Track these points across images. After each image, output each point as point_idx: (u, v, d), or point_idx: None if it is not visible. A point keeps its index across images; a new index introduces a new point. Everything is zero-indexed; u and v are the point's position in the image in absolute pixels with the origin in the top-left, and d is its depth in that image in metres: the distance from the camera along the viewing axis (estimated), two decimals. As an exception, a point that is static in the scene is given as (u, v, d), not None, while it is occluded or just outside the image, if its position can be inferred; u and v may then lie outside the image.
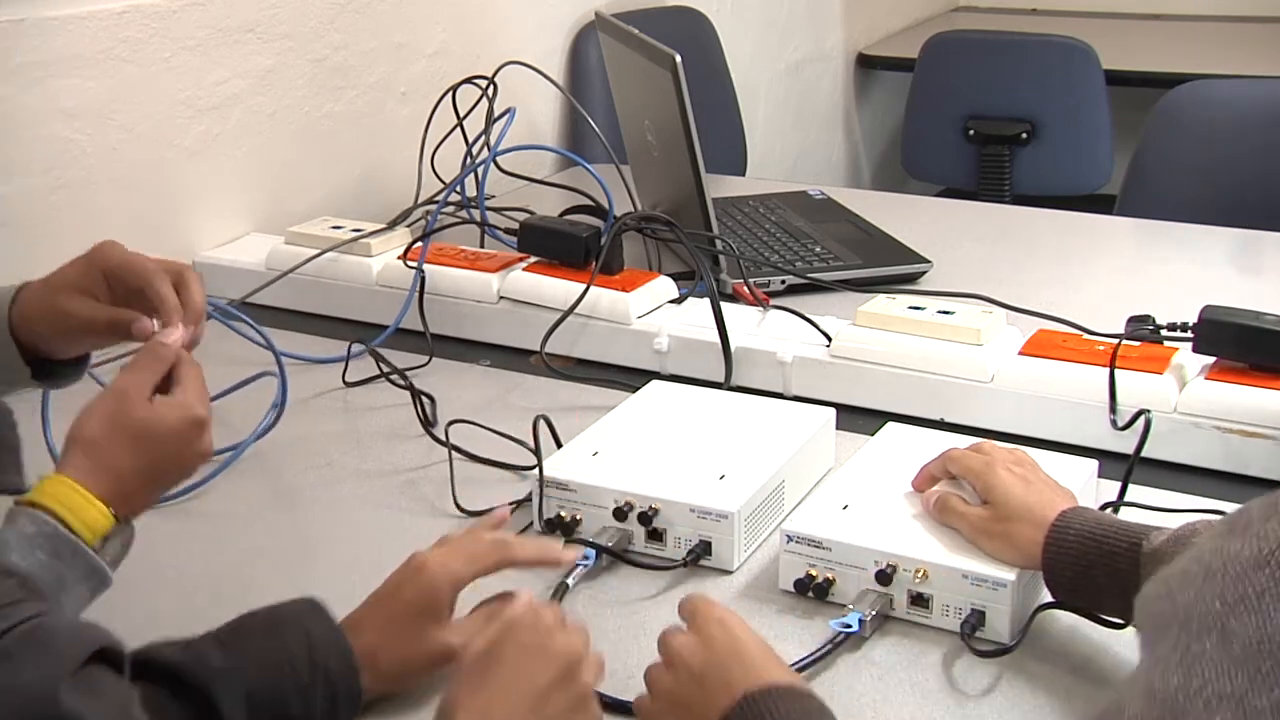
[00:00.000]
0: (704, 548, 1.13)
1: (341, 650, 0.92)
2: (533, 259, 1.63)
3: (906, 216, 1.96)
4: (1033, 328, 1.45)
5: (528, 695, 0.82)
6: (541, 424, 1.24)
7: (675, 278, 1.61)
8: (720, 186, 2.03)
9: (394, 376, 1.45)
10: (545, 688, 0.83)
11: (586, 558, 1.11)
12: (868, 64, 3.46)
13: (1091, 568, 0.98)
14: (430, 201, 1.80)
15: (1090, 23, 3.46)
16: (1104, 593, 0.98)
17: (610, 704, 0.97)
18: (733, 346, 1.46)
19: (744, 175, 2.73)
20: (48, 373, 1.10)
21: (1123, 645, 1.00)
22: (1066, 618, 1.02)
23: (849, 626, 1.01)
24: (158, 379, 0.98)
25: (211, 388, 1.01)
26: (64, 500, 0.91)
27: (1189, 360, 1.34)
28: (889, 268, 1.74)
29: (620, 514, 1.14)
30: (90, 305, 1.05)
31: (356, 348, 1.50)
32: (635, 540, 1.15)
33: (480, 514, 1.22)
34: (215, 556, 1.18)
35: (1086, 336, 1.42)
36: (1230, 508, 1.13)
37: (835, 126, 3.45)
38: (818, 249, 1.79)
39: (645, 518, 1.13)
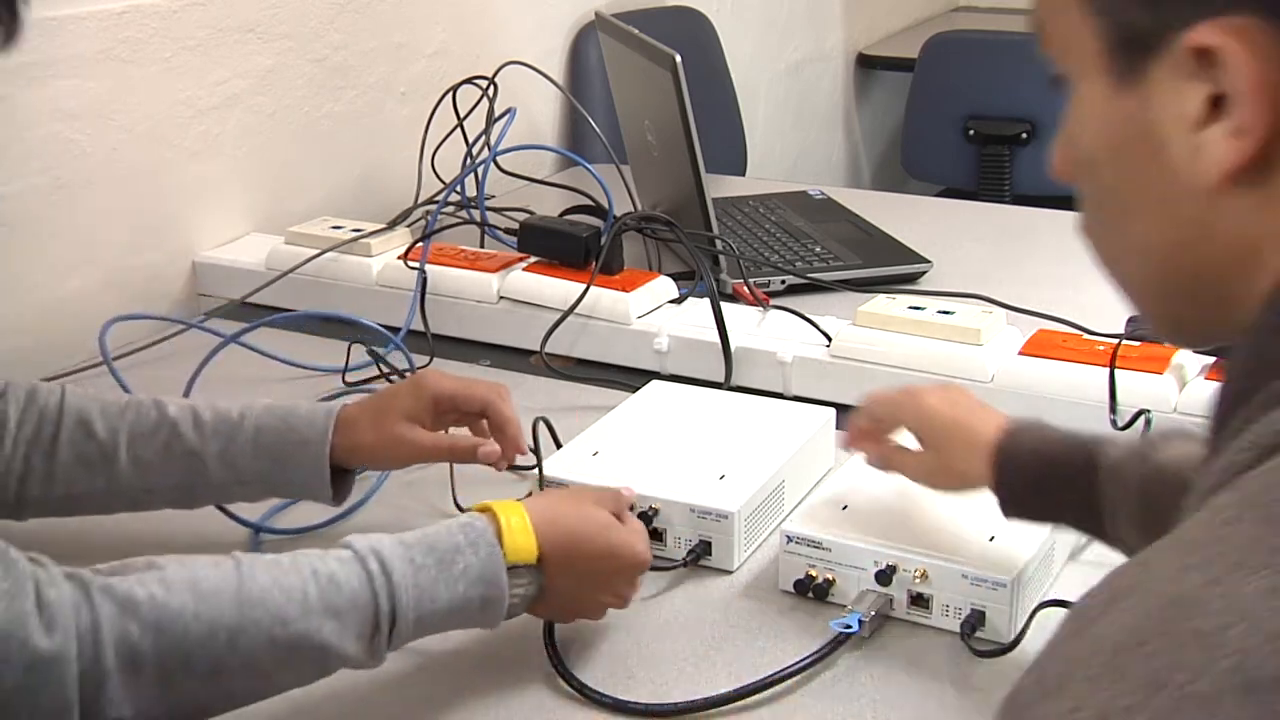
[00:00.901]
0: (704, 548, 1.13)
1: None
2: (533, 259, 1.63)
3: (906, 216, 1.96)
4: (1033, 328, 1.45)
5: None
6: (541, 425, 1.24)
7: (675, 278, 1.61)
8: (720, 186, 2.03)
9: (394, 377, 1.45)
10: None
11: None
12: (868, 64, 3.46)
13: (1045, 485, 0.97)
14: (430, 201, 1.80)
15: (1090, 23, 3.45)
16: (1062, 509, 0.99)
17: (610, 704, 0.97)
18: (733, 346, 1.46)
19: (744, 175, 2.73)
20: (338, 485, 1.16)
21: (1123, 645, 1.00)
22: (1066, 618, 1.02)
23: (849, 627, 1.01)
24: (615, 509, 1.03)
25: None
26: (510, 516, 0.96)
27: (1189, 360, 1.34)
28: (889, 268, 1.74)
29: (620, 514, 1.14)
30: (428, 435, 1.14)
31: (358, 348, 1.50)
32: (635, 540, 1.15)
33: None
34: (215, 552, 1.17)
35: (1086, 336, 1.42)
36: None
37: (835, 126, 3.45)
38: (818, 249, 1.79)
39: (645, 518, 1.13)
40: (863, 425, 1.11)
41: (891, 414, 1.09)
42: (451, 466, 1.24)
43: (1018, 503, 1.00)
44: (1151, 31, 0.56)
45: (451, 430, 1.18)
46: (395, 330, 1.50)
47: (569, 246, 1.59)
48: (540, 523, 0.96)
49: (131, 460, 1.10)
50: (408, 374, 1.44)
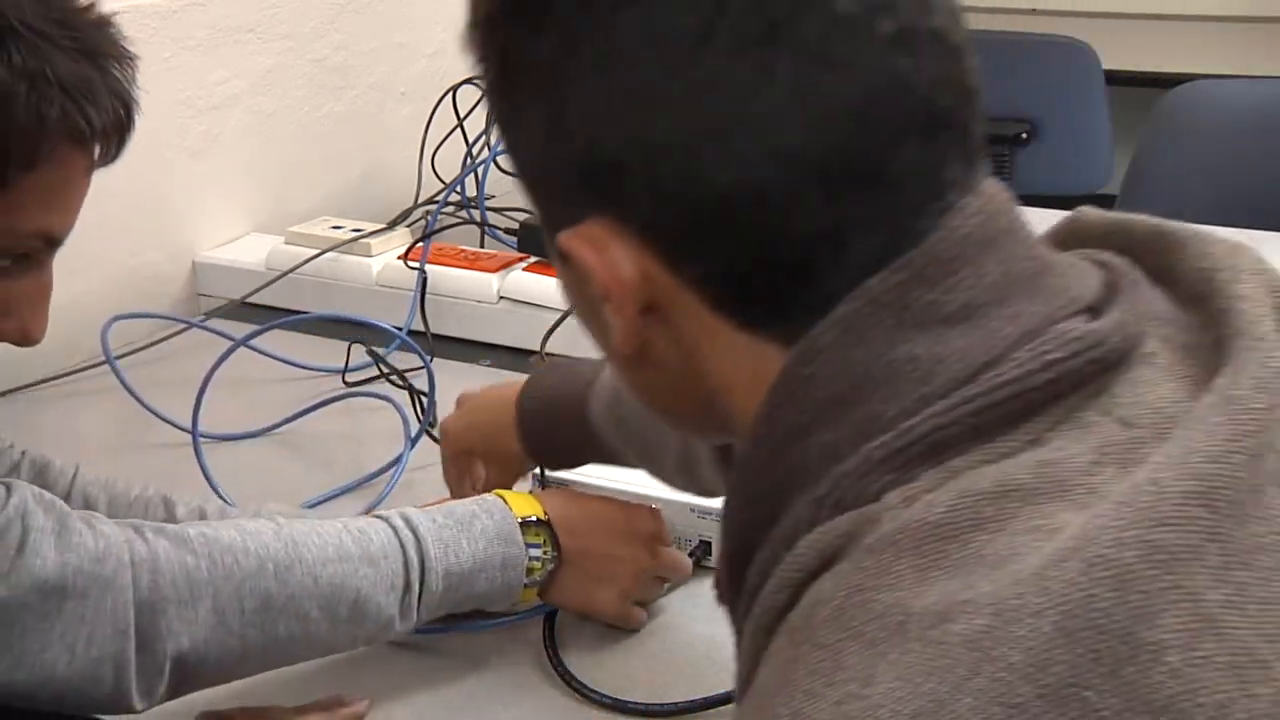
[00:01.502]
0: (704, 548, 1.12)
1: None
2: (533, 259, 1.63)
3: (906, 216, 1.96)
4: (1033, 328, 1.45)
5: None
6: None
7: (675, 278, 1.61)
8: (720, 186, 2.03)
9: (393, 377, 1.45)
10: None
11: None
12: (868, 64, 3.46)
13: (549, 427, 1.07)
14: (430, 201, 1.80)
15: (1090, 23, 3.45)
16: (576, 452, 1.08)
17: (611, 704, 0.97)
18: (733, 346, 1.46)
19: (744, 175, 2.73)
20: None
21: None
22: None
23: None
24: None
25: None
26: (513, 493, 1.03)
27: (1189, 360, 1.34)
28: (889, 268, 1.74)
29: (620, 514, 1.14)
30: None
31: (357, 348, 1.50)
32: (635, 540, 1.15)
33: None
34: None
35: (1086, 336, 1.42)
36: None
37: (835, 126, 3.44)
38: (818, 249, 1.79)
39: (645, 518, 1.13)
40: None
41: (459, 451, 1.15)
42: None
43: (540, 450, 1.09)
44: (548, 226, 0.60)
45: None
46: (396, 332, 1.50)
47: (569, 246, 1.58)
48: (542, 495, 1.04)
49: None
50: (407, 374, 1.44)
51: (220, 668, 0.89)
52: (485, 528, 0.97)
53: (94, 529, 0.85)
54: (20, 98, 0.78)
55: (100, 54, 0.83)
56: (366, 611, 0.92)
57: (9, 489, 0.84)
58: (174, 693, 0.88)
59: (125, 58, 0.85)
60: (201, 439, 1.29)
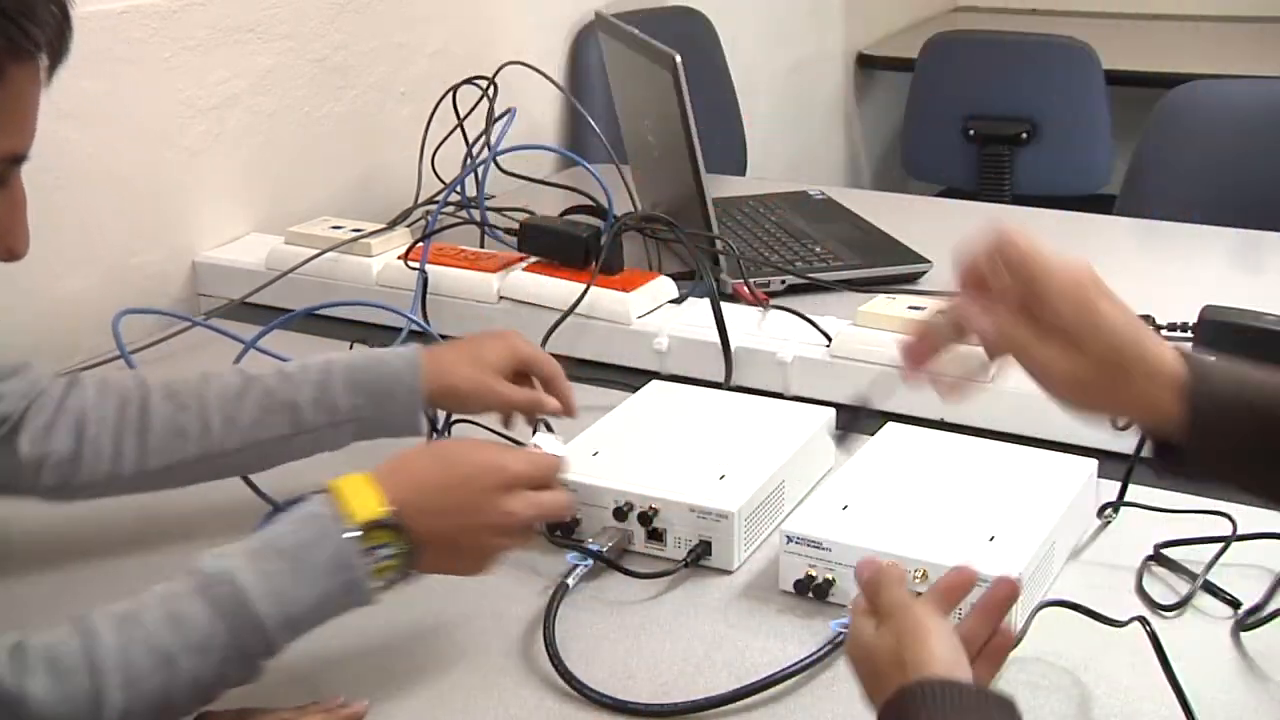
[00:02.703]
0: (704, 548, 1.13)
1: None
2: (533, 259, 1.63)
3: (906, 216, 1.96)
4: (1033, 328, 1.45)
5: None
6: (540, 427, 1.24)
7: (675, 278, 1.61)
8: (720, 186, 2.03)
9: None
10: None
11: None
12: (868, 64, 3.46)
13: (1243, 434, 0.82)
14: (430, 201, 1.80)
15: (1090, 23, 3.45)
16: (1257, 473, 0.83)
17: (610, 704, 0.97)
18: (733, 346, 1.46)
19: (744, 175, 2.73)
20: None
21: (1123, 644, 1.00)
22: (1067, 617, 1.02)
23: (849, 627, 1.01)
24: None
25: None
26: (352, 483, 0.94)
27: (1189, 360, 1.34)
28: (889, 268, 1.74)
29: (620, 514, 1.14)
30: (515, 389, 1.20)
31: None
32: (635, 540, 1.15)
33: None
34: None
35: (1086, 336, 1.42)
36: (1232, 508, 1.14)
37: (835, 126, 3.45)
38: (818, 249, 1.79)
39: (645, 518, 1.13)
40: (967, 276, 0.86)
41: (1037, 290, 0.83)
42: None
43: (1207, 454, 0.83)
44: None
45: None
46: (396, 331, 1.50)
47: (569, 246, 1.59)
48: (386, 478, 0.94)
49: (225, 422, 1.14)
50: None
51: None
52: (318, 562, 0.90)
53: None
54: None
55: None
56: (210, 693, 0.89)
57: None
58: None
59: None
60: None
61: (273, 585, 0.89)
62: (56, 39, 0.85)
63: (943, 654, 0.77)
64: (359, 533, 0.91)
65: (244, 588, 0.88)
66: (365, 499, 0.92)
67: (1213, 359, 0.85)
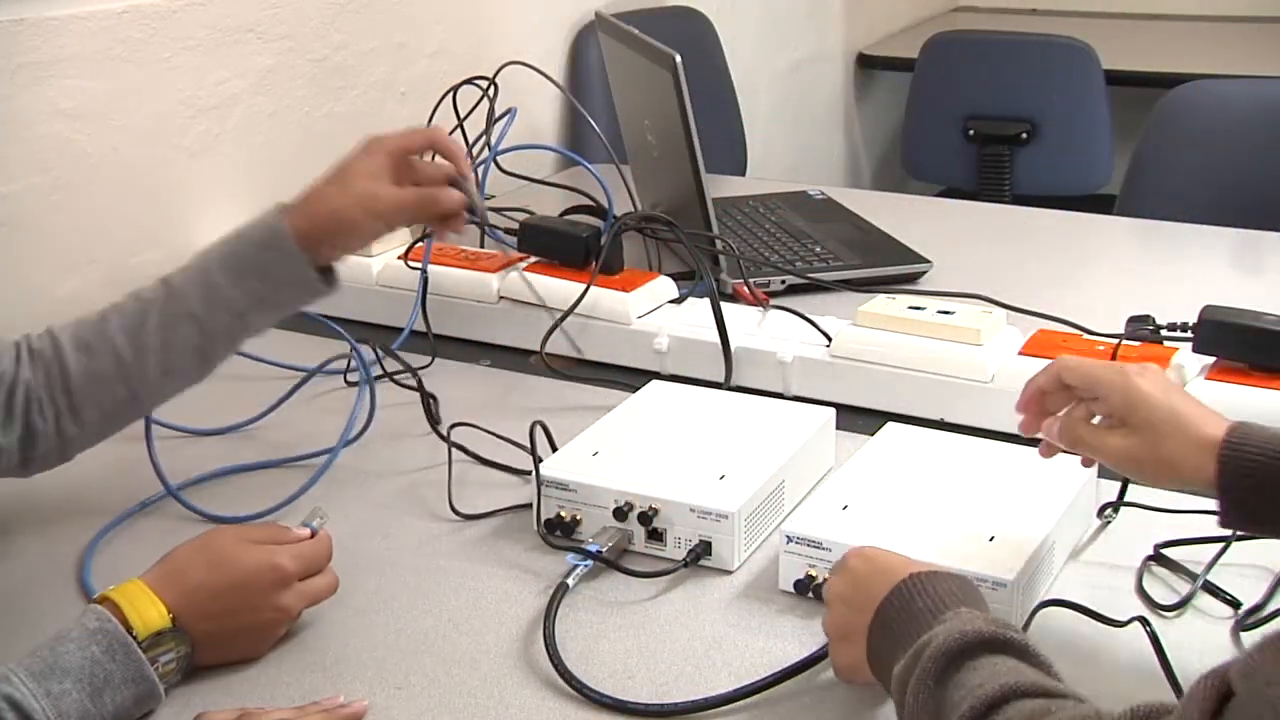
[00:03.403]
0: (704, 548, 1.13)
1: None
2: (533, 259, 1.63)
3: (906, 216, 1.96)
4: (1033, 328, 1.45)
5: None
6: (538, 429, 1.23)
7: (675, 278, 1.61)
8: (720, 186, 2.03)
9: (404, 378, 1.45)
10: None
11: None
12: (868, 64, 3.46)
13: (1275, 489, 0.89)
14: (430, 201, 1.79)
15: (1090, 23, 3.45)
16: None
17: (610, 704, 0.97)
18: (733, 346, 1.46)
19: (744, 175, 2.73)
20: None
21: (1123, 644, 1.00)
22: (1067, 617, 1.03)
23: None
24: (263, 538, 1.04)
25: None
26: (129, 595, 0.96)
27: (1189, 360, 1.34)
28: (889, 268, 1.74)
29: (620, 514, 1.14)
30: (399, 190, 1.16)
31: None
32: (635, 540, 1.15)
33: (478, 517, 1.22)
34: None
35: (1087, 336, 1.42)
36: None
37: (835, 126, 3.45)
38: (818, 249, 1.79)
39: (645, 518, 1.13)
40: (1043, 388, 1.02)
41: (1089, 387, 0.98)
42: (450, 470, 1.24)
43: (1244, 507, 0.92)
44: None
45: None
46: (397, 332, 1.51)
47: (569, 246, 1.59)
48: (162, 585, 0.97)
49: (137, 354, 1.13)
50: (409, 374, 1.44)
51: None
52: (109, 675, 0.91)
53: None
54: None
55: None
56: None
57: None
58: None
59: None
60: (205, 436, 1.29)
61: (61, 708, 0.89)
62: None
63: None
64: (145, 645, 0.94)
65: (32, 714, 0.87)
66: (144, 609, 0.95)
67: (1261, 425, 0.93)
